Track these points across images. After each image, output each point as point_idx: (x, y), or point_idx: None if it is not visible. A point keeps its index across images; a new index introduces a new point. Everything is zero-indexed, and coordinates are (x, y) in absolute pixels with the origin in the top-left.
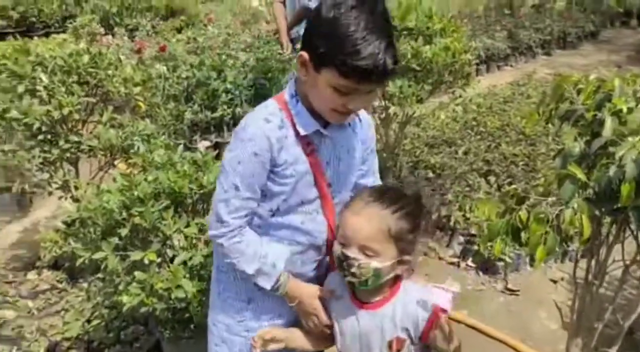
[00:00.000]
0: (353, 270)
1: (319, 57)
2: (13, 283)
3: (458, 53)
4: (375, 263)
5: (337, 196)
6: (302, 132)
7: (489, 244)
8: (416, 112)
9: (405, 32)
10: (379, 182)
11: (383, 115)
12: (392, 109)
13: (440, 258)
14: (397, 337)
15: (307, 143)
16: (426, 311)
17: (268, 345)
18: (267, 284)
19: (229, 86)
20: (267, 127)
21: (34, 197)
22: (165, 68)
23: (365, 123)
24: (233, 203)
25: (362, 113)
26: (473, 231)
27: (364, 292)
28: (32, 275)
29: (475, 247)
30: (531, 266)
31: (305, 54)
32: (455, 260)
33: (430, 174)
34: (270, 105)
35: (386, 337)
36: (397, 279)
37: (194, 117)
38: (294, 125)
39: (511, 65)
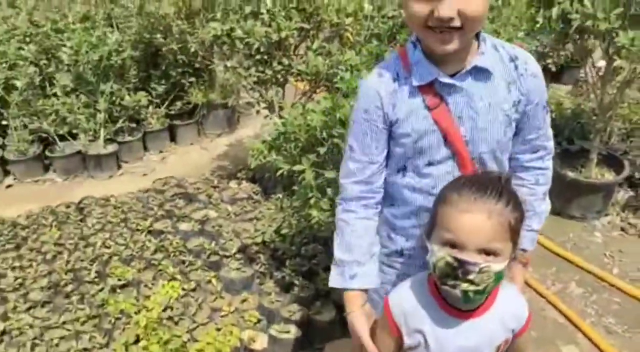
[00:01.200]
0: (471, 277)
1: None
2: (217, 188)
3: None
4: (496, 266)
5: (477, 155)
6: (415, 83)
7: None
8: None
9: None
10: (547, 138)
11: (602, 72)
12: (617, 63)
13: None
14: (506, 339)
15: (431, 95)
16: (526, 307)
17: None
18: (334, 282)
19: None
20: (379, 81)
21: (242, 116)
22: (371, 7)
23: (526, 70)
24: (348, 165)
25: (525, 60)
26: None
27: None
28: (233, 184)
29: None
30: None
31: None
32: None
33: None
34: (387, 59)
35: (495, 342)
36: None
37: None
38: (411, 76)
39: None
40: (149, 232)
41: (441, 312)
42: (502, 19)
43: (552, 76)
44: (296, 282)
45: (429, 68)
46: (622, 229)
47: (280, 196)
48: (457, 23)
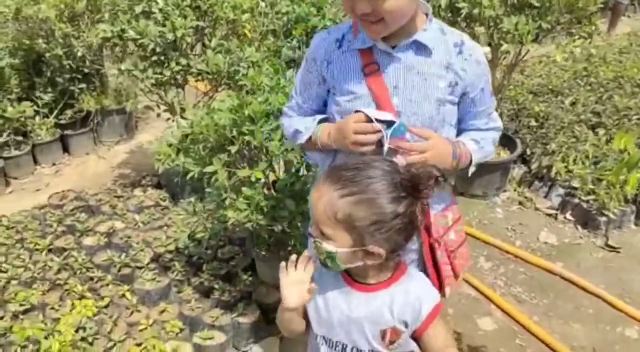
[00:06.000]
0: (313, 245)
1: None
2: (121, 198)
3: None
4: (327, 246)
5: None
6: (357, 46)
7: (590, 196)
8: (530, 51)
9: None
10: (495, 124)
11: (489, 57)
12: (504, 47)
13: (536, 209)
14: (392, 328)
15: (370, 62)
16: (430, 304)
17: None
18: (304, 138)
19: (327, 23)
20: (324, 37)
21: (139, 121)
22: (264, 3)
23: (470, 55)
24: (291, 101)
25: (471, 47)
26: (575, 183)
27: (356, 273)
28: (138, 192)
29: (576, 200)
30: (637, 224)
31: None
32: (552, 212)
33: (533, 123)
34: (345, 23)
35: (379, 325)
36: (399, 264)
37: (292, 54)
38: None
39: (629, 16)
40: (50, 250)
41: (340, 278)
42: None
43: None
44: (216, 286)
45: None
46: (520, 203)
47: (192, 200)
48: (376, 17)
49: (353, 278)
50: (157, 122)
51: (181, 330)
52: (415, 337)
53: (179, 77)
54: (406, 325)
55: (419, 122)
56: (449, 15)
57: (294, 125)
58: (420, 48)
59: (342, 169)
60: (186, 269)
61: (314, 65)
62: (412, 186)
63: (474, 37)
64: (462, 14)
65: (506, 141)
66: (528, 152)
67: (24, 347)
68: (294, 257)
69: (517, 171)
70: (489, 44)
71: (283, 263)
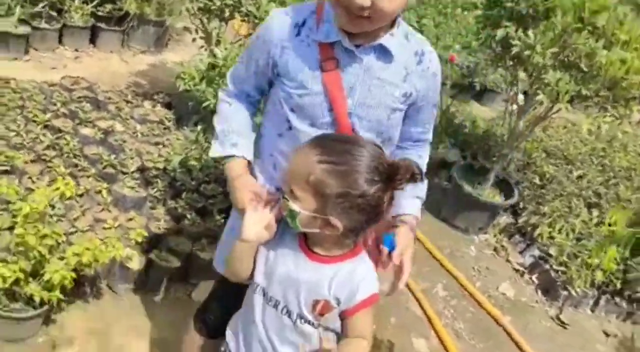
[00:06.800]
0: (282, 201)
1: None
2: (129, 104)
3: (633, 72)
4: (292, 204)
5: (359, 131)
6: (319, 38)
7: (561, 268)
8: (560, 112)
9: (589, 28)
10: (428, 135)
11: (523, 102)
12: (540, 97)
13: (508, 260)
14: (326, 301)
15: (329, 58)
16: (367, 291)
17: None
18: (215, 151)
19: None
20: (281, 19)
21: (172, 40)
22: None
23: (428, 68)
24: (237, 70)
25: (431, 58)
26: (552, 251)
27: (312, 240)
28: (147, 104)
29: (546, 267)
30: (592, 310)
31: None
32: (521, 269)
33: (537, 180)
34: (306, 4)
35: (312, 293)
36: (357, 246)
37: None
38: (317, 31)
39: None
40: (46, 126)
41: (296, 241)
42: (445, 28)
43: (475, 95)
44: (188, 216)
45: (337, 30)
46: (495, 249)
47: (197, 129)
48: (367, 13)
49: (308, 245)
50: (189, 46)
51: (141, 242)
52: (342, 317)
53: (227, 10)
54: (339, 303)
55: (368, 126)
56: (499, 48)
57: (227, 118)
58: (383, 53)
59: (329, 139)
60: (166, 190)
61: (265, 45)
62: (389, 174)
63: (515, 79)
64: (512, 52)
65: (505, 187)
66: (521, 205)
67: None
68: (264, 192)
69: (504, 219)
70: (525, 93)
71: (251, 195)
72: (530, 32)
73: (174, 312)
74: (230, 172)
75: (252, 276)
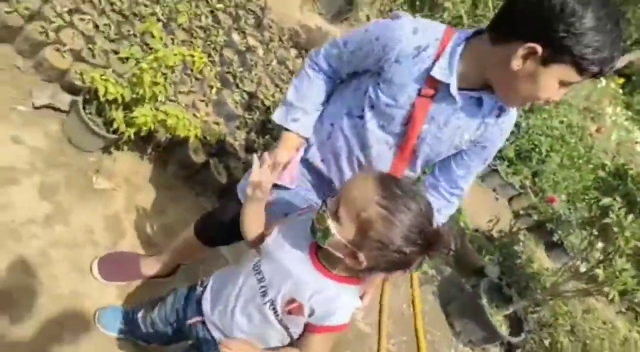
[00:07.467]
0: (319, 212)
1: (555, 50)
2: (281, 42)
3: None
4: (332, 224)
5: (418, 154)
6: (435, 73)
7: None
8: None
9: None
10: (468, 182)
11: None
12: (599, 271)
13: None
14: (301, 304)
15: (430, 86)
16: (341, 319)
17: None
18: (278, 117)
19: None
20: (407, 35)
21: (349, 19)
22: None
23: (502, 123)
24: (334, 49)
25: (510, 115)
26: None
27: (326, 253)
28: (293, 52)
29: None
30: None
31: (537, 47)
32: None
33: (547, 343)
34: (433, 27)
35: (294, 294)
36: (357, 276)
37: None
38: (434, 61)
39: None
40: (212, 12)
41: (307, 243)
42: (567, 173)
43: (548, 243)
44: (258, 152)
45: (452, 71)
46: None
47: None
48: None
49: (317, 252)
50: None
51: (212, 144)
52: (308, 329)
53: None
54: (311, 314)
55: (427, 154)
56: (595, 213)
57: (301, 92)
58: (477, 102)
59: (395, 182)
60: (256, 123)
61: (382, 50)
62: (430, 241)
63: (590, 247)
64: (604, 221)
65: (515, 326)
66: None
67: (142, 34)
68: (266, 157)
69: (495, 351)
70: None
71: (256, 156)
72: (630, 216)
73: (194, 215)
74: (281, 143)
75: (255, 243)
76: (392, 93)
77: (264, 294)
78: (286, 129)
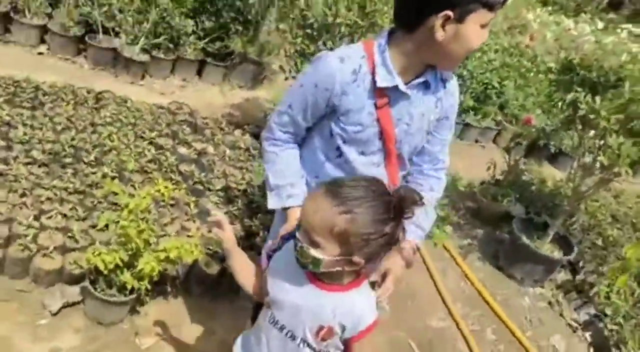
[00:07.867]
0: (297, 249)
1: (463, 5)
2: (222, 131)
3: None
4: (315, 252)
5: (404, 154)
6: (381, 84)
7: (615, 327)
8: (621, 177)
9: None
10: (445, 153)
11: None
12: (600, 158)
13: (561, 314)
14: (330, 327)
15: (381, 96)
16: (369, 319)
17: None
18: (273, 204)
19: None
20: (338, 67)
21: (267, 78)
22: None
23: (450, 91)
24: (283, 117)
25: (452, 81)
26: (608, 311)
27: (324, 275)
28: (237, 133)
29: (601, 325)
30: None
31: (448, 12)
32: (574, 324)
33: (599, 242)
34: (354, 48)
35: (317, 319)
36: (361, 276)
37: None
38: (373, 75)
39: None
40: (151, 143)
41: (301, 270)
42: (526, 91)
43: (548, 157)
44: (260, 234)
45: (392, 74)
46: (549, 303)
47: None
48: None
49: (315, 274)
50: (281, 85)
51: (218, 252)
52: (347, 343)
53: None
54: (344, 329)
55: (409, 149)
56: (570, 112)
57: (278, 170)
58: (424, 86)
59: (338, 186)
60: (244, 209)
61: (325, 92)
62: (399, 208)
63: (582, 141)
64: (579, 114)
65: (565, 244)
66: (580, 264)
67: (100, 203)
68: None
69: (561, 275)
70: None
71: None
72: (597, 98)
73: (240, 319)
74: (288, 218)
75: (260, 297)
76: (355, 120)
77: (293, 337)
78: (286, 208)
